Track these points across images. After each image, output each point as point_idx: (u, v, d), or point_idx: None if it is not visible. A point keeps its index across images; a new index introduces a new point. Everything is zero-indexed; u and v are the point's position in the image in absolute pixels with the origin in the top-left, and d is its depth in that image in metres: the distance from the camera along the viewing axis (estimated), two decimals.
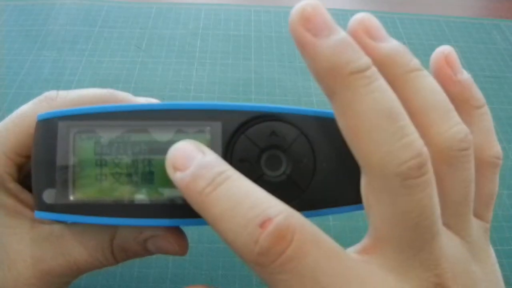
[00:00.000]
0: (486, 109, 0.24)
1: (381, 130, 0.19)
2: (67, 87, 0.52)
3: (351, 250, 0.21)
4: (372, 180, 0.20)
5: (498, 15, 0.68)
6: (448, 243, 0.21)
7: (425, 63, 0.60)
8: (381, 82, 0.19)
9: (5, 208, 0.26)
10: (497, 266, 0.24)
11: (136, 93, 0.51)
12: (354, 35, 0.21)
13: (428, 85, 0.22)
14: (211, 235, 0.40)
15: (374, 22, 0.22)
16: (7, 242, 0.25)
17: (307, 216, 0.24)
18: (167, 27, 0.61)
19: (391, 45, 0.22)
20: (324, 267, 0.18)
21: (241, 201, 0.19)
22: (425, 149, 0.19)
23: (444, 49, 0.24)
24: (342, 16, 0.65)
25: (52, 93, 0.27)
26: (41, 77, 0.53)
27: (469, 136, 0.21)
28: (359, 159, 0.20)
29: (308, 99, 0.53)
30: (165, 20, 0.62)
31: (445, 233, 0.21)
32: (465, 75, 0.24)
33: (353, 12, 0.74)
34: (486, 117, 0.24)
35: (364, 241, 0.21)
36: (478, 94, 0.24)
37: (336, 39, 0.19)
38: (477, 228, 0.23)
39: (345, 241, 0.39)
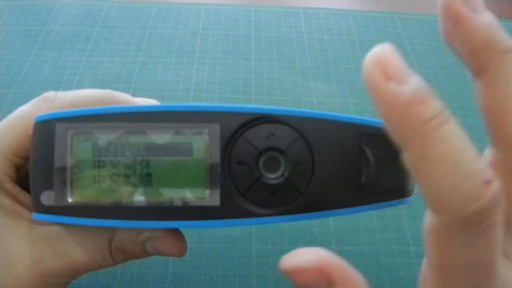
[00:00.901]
0: None
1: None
2: (67, 87, 0.52)
3: None
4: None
5: (498, 15, 0.68)
6: (506, 274, 0.20)
7: (425, 63, 0.60)
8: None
9: (4, 209, 0.26)
10: None
11: (136, 93, 0.51)
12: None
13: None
14: (211, 235, 0.40)
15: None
16: (5, 243, 0.25)
17: (305, 218, 0.25)
18: (167, 27, 0.61)
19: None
20: (501, 242, 0.18)
21: (467, 148, 0.17)
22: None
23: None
24: (342, 16, 0.65)
25: (50, 94, 0.27)
26: (41, 77, 0.53)
27: None
28: (498, 134, 0.19)
29: (308, 99, 0.52)
30: (165, 20, 0.62)
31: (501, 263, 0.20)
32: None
33: (353, 12, 0.73)
34: None
35: None
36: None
37: (490, 18, 0.18)
38: None
39: (345, 241, 0.40)
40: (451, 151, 0.17)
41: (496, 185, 0.17)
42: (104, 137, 0.24)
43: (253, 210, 0.24)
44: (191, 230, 0.40)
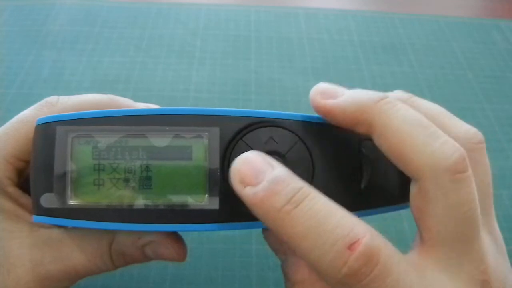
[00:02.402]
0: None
1: (419, 136, 0.21)
2: (67, 87, 0.52)
3: (408, 258, 0.22)
4: (423, 183, 0.21)
5: (498, 15, 0.68)
6: (486, 239, 0.22)
7: (425, 63, 0.60)
8: (402, 104, 0.22)
9: (5, 212, 0.26)
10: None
11: (136, 93, 0.51)
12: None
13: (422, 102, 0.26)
14: (211, 236, 0.40)
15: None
16: (6, 246, 0.25)
17: None
18: (167, 27, 0.61)
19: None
20: (404, 284, 0.19)
21: (326, 220, 0.19)
22: (461, 147, 0.21)
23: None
24: (342, 17, 0.65)
25: (53, 98, 0.27)
26: (41, 77, 0.53)
27: (479, 134, 0.24)
28: (409, 169, 0.21)
29: (308, 99, 0.52)
30: (165, 20, 0.62)
31: (482, 229, 0.22)
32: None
33: (353, 12, 0.73)
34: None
35: (416, 248, 0.22)
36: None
37: (350, 92, 0.23)
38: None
39: None
40: (310, 227, 0.19)
41: (362, 244, 0.19)
42: (104, 140, 0.24)
43: (252, 214, 0.24)
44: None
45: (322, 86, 0.24)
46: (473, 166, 0.22)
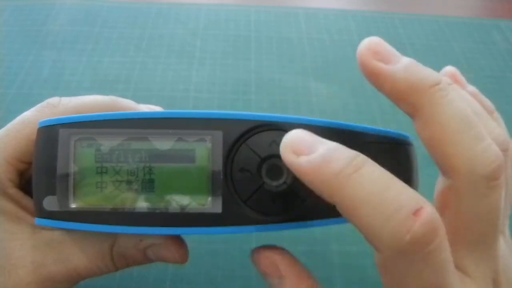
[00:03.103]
0: (497, 114, 0.27)
1: (465, 136, 0.20)
2: (67, 87, 0.52)
3: None
4: (457, 183, 0.20)
5: (498, 15, 0.68)
6: (501, 241, 0.22)
7: (425, 63, 0.60)
8: (458, 91, 0.21)
9: (6, 213, 0.26)
10: None
11: (136, 93, 0.51)
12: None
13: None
14: (211, 236, 0.40)
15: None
16: (8, 248, 0.25)
17: (307, 226, 0.25)
18: (167, 27, 0.61)
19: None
20: (449, 263, 0.19)
21: (388, 186, 0.18)
22: (500, 152, 0.20)
23: (450, 70, 0.27)
24: (342, 16, 0.65)
25: (54, 100, 0.27)
26: (41, 77, 0.53)
27: (507, 141, 0.24)
28: (445, 166, 0.21)
29: (308, 99, 0.53)
30: (165, 20, 0.62)
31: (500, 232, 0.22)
32: (471, 87, 0.26)
33: (353, 12, 0.73)
34: (501, 121, 0.27)
35: None
36: (488, 101, 0.26)
37: (406, 62, 0.21)
38: None
39: (345, 241, 0.40)
40: (372, 192, 0.18)
41: (426, 212, 0.18)
42: (107, 143, 0.24)
43: (255, 217, 0.24)
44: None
45: (376, 43, 0.21)
46: None
